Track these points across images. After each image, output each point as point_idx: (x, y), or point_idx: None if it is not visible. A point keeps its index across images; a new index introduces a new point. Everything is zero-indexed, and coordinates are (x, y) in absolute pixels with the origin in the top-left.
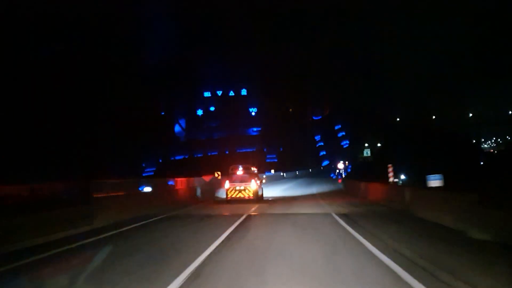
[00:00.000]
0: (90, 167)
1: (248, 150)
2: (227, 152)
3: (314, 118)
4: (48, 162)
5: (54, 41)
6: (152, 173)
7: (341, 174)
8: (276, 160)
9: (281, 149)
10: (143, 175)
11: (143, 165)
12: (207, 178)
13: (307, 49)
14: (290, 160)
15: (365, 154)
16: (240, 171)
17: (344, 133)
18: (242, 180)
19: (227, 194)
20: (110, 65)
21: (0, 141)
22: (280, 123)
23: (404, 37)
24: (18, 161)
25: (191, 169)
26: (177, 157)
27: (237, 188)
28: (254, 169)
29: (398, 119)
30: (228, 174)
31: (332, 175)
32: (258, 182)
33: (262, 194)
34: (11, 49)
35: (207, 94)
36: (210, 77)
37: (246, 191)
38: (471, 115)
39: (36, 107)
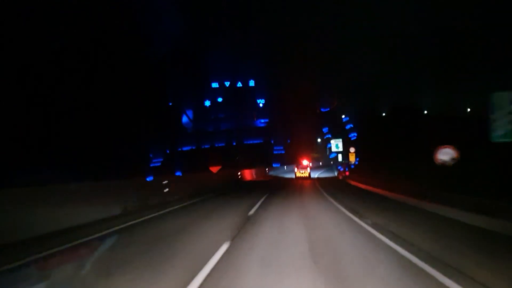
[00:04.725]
0: (97, 159)
1: (256, 141)
2: (234, 144)
3: (322, 110)
4: (56, 158)
5: (58, 31)
6: (159, 164)
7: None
8: (283, 152)
9: (289, 141)
10: (151, 166)
11: (151, 155)
12: (214, 170)
13: (316, 39)
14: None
15: (335, 148)
16: (302, 163)
17: (352, 125)
18: (302, 168)
19: (295, 175)
20: (117, 55)
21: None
22: (288, 115)
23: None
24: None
25: (198, 160)
26: (184, 148)
27: (300, 172)
28: (308, 162)
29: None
30: (296, 163)
31: (339, 167)
32: (310, 169)
33: (311, 175)
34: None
35: (215, 85)
36: (218, 68)
37: (305, 173)
38: (426, 112)
39: (38, 102)
